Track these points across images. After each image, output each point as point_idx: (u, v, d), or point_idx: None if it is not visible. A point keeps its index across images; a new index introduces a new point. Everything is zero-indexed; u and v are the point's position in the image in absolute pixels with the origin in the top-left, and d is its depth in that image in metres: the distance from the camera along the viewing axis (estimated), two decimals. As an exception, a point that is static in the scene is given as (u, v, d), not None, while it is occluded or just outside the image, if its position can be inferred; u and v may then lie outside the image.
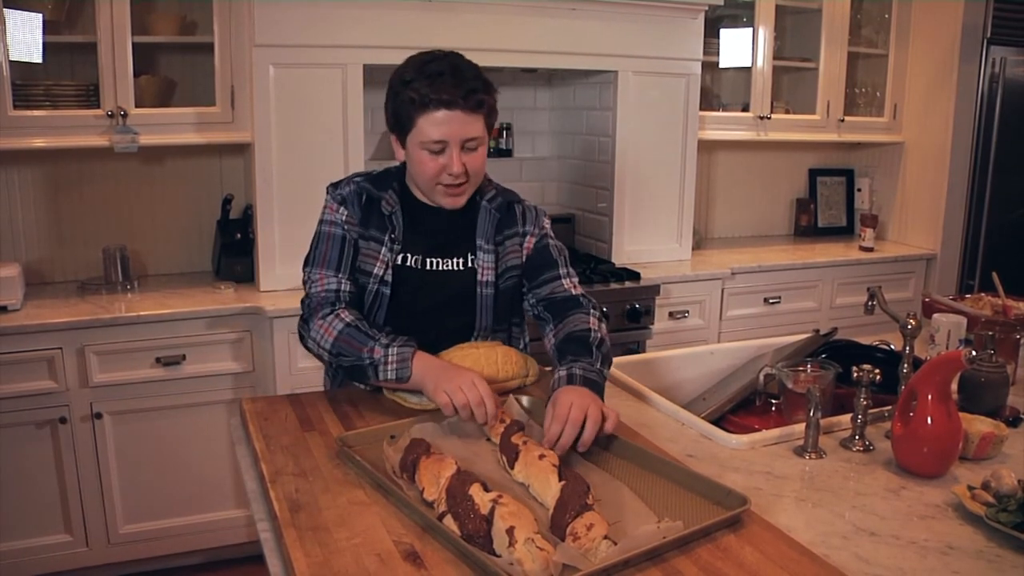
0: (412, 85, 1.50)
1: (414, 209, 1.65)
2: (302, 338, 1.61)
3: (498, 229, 1.68)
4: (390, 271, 1.62)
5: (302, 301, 1.63)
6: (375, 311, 1.64)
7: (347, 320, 1.54)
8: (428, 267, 1.64)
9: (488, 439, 1.40)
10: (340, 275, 1.61)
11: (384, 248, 1.62)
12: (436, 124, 1.49)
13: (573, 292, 1.67)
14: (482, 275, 1.65)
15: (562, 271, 1.69)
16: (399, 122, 1.55)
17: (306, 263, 1.65)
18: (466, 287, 1.65)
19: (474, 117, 1.51)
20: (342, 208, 1.63)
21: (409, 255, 1.64)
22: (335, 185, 1.66)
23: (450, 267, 1.65)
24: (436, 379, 1.43)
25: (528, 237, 1.70)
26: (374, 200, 1.63)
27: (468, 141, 1.52)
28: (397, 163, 1.69)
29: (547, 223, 1.74)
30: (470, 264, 1.66)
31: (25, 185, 2.79)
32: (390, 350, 1.47)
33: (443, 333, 1.63)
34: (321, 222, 1.65)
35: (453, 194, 1.57)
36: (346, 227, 1.62)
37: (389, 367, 1.47)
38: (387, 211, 1.63)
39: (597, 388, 1.44)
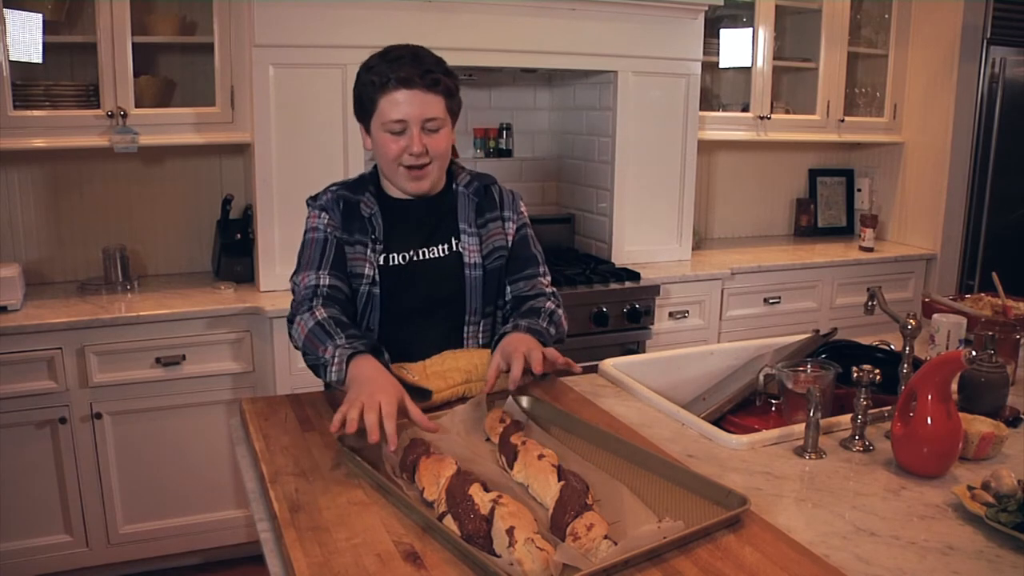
0: (373, 70, 1.56)
1: (392, 207, 1.68)
2: (291, 339, 1.62)
3: (479, 212, 1.71)
4: (377, 272, 1.64)
5: (291, 305, 1.64)
6: (368, 313, 1.66)
7: (318, 317, 1.53)
8: (415, 258, 1.67)
9: (487, 439, 1.40)
10: (320, 271, 1.62)
11: (368, 250, 1.64)
12: (395, 104, 1.54)
13: (545, 290, 1.73)
14: (468, 257, 1.68)
15: (541, 268, 1.76)
16: (362, 107, 1.60)
17: (293, 274, 1.67)
18: (454, 271, 1.68)
19: (433, 97, 1.55)
20: (324, 214, 1.66)
21: (393, 254, 1.66)
22: (314, 197, 1.70)
23: (436, 254, 1.68)
24: (355, 390, 1.34)
25: (509, 223, 1.74)
26: (352, 204, 1.66)
27: (428, 121, 1.56)
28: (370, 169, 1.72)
29: (524, 208, 1.79)
30: (455, 248, 1.69)
31: (25, 185, 2.80)
32: (337, 351, 1.45)
33: (435, 323, 1.66)
34: (305, 232, 1.68)
35: (416, 177, 1.60)
36: (328, 230, 1.64)
37: (332, 369, 1.45)
38: (366, 213, 1.65)
39: (540, 336, 1.56)
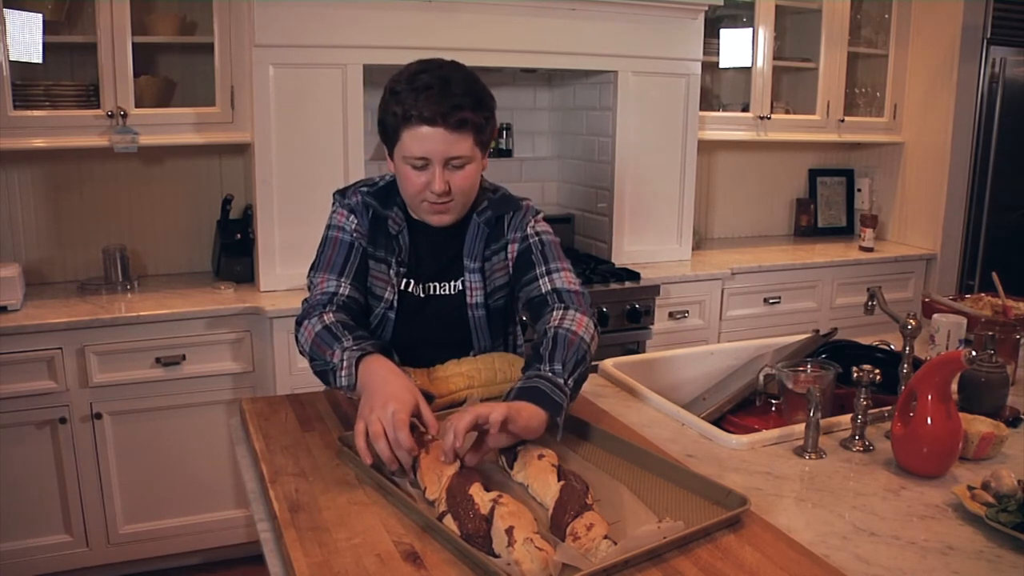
0: (399, 97, 1.44)
1: (416, 229, 1.61)
2: (298, 343, 1.55)
3: (486, 244, 1.62)
4: (396, 297, 1.60)
5: (302, 304, 1.59)
6: (379, 333, 1.62)
7: (326, 322, 1.47)
8: (428, 293, 1.62)
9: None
10: (342, 279, 1.56)
11: (391, 271, 1.59)
12: (418, 140, 1.43)
13: (542, 290, 1.55)
14: (471, 297, 1.62)
15: (539, 270, 1.57)
16: (386, 133, 1.51)
17: (311, 269, 1.61)
18: (459, 310, 1.62)
19: (458, 136, 1.43)
20: (352, 216, 1.60)
21: (411, 281, 1.61)
22: (342, 193, 1.63)
23: (446, 291, 1.62)
24: (366, 400, 1.29)
25: (510, 245, 1.61)
26: (380, 218, 1.60)
27: (452, 159, 1.45)
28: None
29: (532, 224, 1.62)
30: (460, 287, 1.62)
31: (25, 185, 2.79)
32: (345, 355, 1.38)
33: (441, 352, 1.61)
34: (329, 227, 1.61)
35: (438, 211, 1.52)
36: (355, 236, 1.59)
37: (341, 374, 1.38)
38: (394, 231, 1.59)
39: (533, 394, 1.30)
